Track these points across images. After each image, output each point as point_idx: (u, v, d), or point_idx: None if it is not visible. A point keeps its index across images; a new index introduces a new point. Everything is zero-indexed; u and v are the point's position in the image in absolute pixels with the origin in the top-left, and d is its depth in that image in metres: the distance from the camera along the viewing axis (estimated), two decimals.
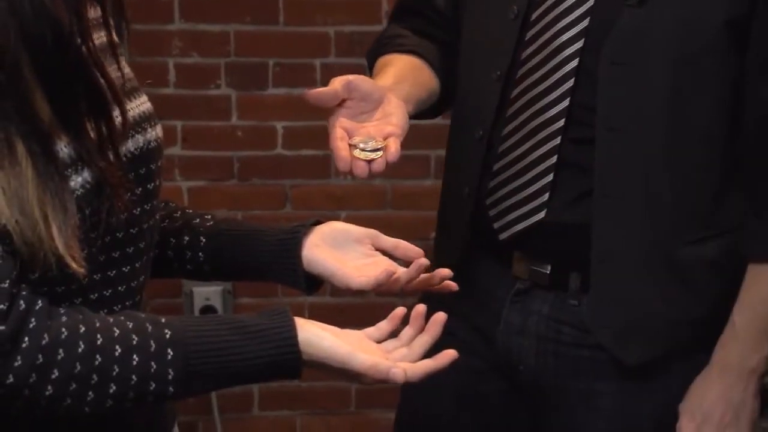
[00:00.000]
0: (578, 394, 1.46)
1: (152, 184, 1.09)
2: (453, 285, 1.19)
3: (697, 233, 1.40)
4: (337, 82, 1.30)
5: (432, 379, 1.48)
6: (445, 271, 1.18)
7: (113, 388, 0.97)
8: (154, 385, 0.98)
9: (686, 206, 1.39)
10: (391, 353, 1.09)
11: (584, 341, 1.44)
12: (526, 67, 1.41)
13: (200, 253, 1.22)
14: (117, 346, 0.97)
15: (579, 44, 1.37)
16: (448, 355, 1.08)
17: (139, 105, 1.10)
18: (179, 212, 1.24)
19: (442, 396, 1.53)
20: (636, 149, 1.37)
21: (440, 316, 1.12)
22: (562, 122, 1.38)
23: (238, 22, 2.70)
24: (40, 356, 0.94)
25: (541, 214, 1.41)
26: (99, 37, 1.05)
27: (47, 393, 0.95)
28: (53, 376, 0.94)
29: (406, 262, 1.20)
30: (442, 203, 1.61)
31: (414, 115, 1.42)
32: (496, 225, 1.45)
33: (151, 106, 1.13)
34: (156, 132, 1.11)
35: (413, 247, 1.20)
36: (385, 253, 1.21)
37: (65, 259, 0.94)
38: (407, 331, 1.12)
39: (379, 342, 1.11)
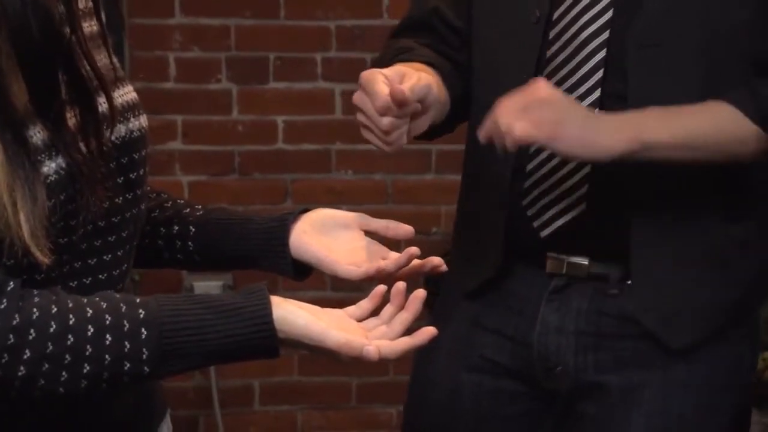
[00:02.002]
0: (619, 389, 1.43)
1: (135, 174, 1.08)
2: (444, 268, 1.17)
3: (732, 213, 1.41)
4: (410, 92, 1.25)
5: (452, 402, 1.51)
6: (437, 260, 1.16)
7: (87, 368, 0.96)
8: (128, 365, 0.97)
9: (718, 187, 1.39)
10: (371, 331, 1.07)
11: (625, 331, 1.42)
12: (552, 65, 1.40)
13: (190, 243, 1.21)
14: (90, 326, 0.96)
15: (605, 35, 1.36)
16: (427, 332, 1.06)
17: (124, 95, 1.09)
18: (170, 202, 1.24)
19: (460, 420, 1.52)
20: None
21: (420, 293, 1.09)
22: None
23: (239, 16, 2.69)
24: (11, 336, 0.93)
25: (582, 207, 1.39)
26: (89, 26, 1.04)
27: (20, 374, 0.94)
28: (25, 357, 0.93)
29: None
30: (464, 223, 1.57)
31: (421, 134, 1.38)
32: (536, 223, 1.43)
33: (136, 95, 1.12)
34: (140, 122, 1.10)
35: (403, 226, 1.18)
36: (376, 235, 1.20)
37: (30, 248, 0.93)
38: (387, 309, 1.10)
39: (360, 320, 1.10)
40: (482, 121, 1.33)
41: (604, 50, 1.36)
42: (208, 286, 2.73)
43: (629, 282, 1.41)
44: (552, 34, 1.40)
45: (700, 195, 1.39)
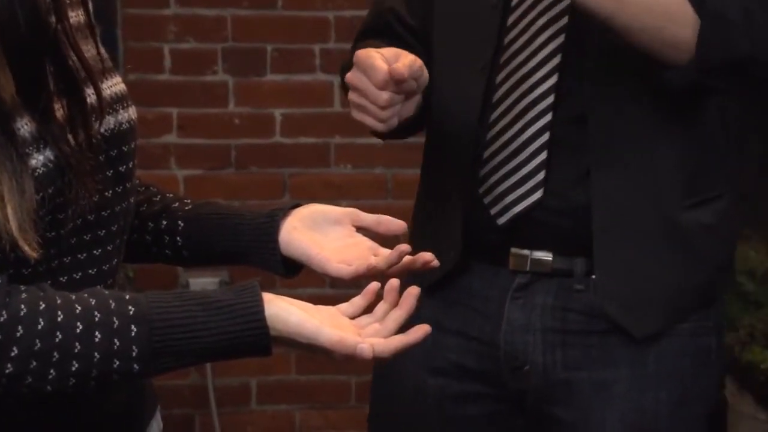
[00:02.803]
0: (590, 384, 1.43)
1: (124, 167, 1.08)
2: (435, 263, 1.16)
3: (694, 198, 1.41)
4: (407, 70, 1.27)
5: (416, 404, 1.50)
6: (428, 255, 1.15)
7: (75, 365, 0.95)
8: (117, 363, 0.96)
9: (682, 172, 1.39)
10: (364, 329, 1.06)
11: (592, 327, 1.42)
12: (510, 51, 1.41)
13: (178, 238, 1.20)
14: (78, 323, 0.95)
15: (564, 21, 1.37)
16: (421, 329, 1.04)
17: (112, 86, 1.08)
18: (159, 196, 1.23)
19: (425, 421, 1.51)
20: (629, 120, 1.36)
21: (414, 290, 1.08)
22: (551, 98, 1.37)
23: (235, 6, 2.67)
24: None
25: (539, 194, 1.39)
26: (76, 16, 1.03)
27: (7, 371, 0.92)
28: (12, 354, 0.92)
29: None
30: (422, 211, 1.56)
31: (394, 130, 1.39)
32: (493, 211, 1.42)
33: (125, 87, 1.11)
34: (129, 113, 1.09)
35: (395, 221, 1.18)
36: (367, 230, 1.19)
37: (18, 241, 0.92)
38: (381, 306, 1.09)
39: (353, 318, 1.09)
40: (438, 109, 1.36)
41: (563, 35, 1.36)
42: (204, 282, 2.72)
43: (594, 276, 1.41)
44: (511, 20, 1.41)
45: (661, 179, 1.38)
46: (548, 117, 1.38)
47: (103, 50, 1.07)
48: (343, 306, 1.09)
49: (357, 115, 1.33)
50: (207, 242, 1.20)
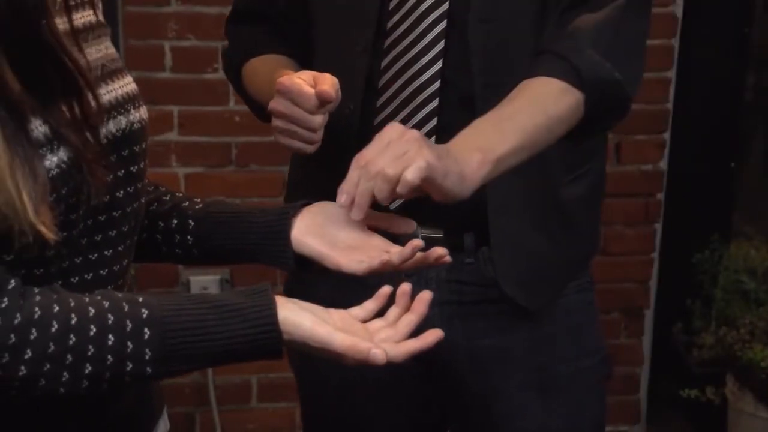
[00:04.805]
0: (491, 351, 1.50)
1: (136, 167, 1.07)
2: (448, 258, 1.16)
3: (571, 174, 1.48)
4: (333, 90, 1.29)
5: (325, 373, 1.53)
6: (441, 250, 1.15)
7: (89, 368, 0.95)
8: (130, 366, 0.96)
9: (563, 150, 1.42)
10: (375, 333, 1.07)
11: (487, 296, 1.47)
12: (393, 36, 1.41)
13: (189, 237, 1.20)
14: (92, 326, 0.95)
15: (445, 6, 1.38)
16: (433, 334, 1.05)
17: (123, 86, 1.08)
18: (168, 195, 1.23)
19: (345, 385, 1.55)
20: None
21: (426, 295, 1.10)
22: (437, 84, 1.39)
23: None
24: (12, 336, 0.92)
25: None
26: (86, 16, 1.03)
27: (20, 374, 0.92)
28: (26, 357, 0.92)
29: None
30: (305, 189, 1.53)
31: None
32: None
33: (136, 87, 1.10)
34: (140, 113, 1.09)
35: (406, 220, 1.19)
36: (378, 229, 1.19)
37: (36, 225, 0.91)
38: (393, 311, 1.10)
39: (364, 321, 1.09)
40: None
41: (445, 21, 1.38)
42: (205, 280, 2.71)
43: (485, 248, 1.45)
44: (392, 4, 1.42)
45: (548, 157, 1.39)
46: (435, 102, 1.39)
47: (111, 51, 1.07)
48: (355, 310, 1.09)
49: (283, 140, 1.33)
50: (217, 241, 1.20)
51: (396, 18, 1.41)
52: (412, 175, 1.11)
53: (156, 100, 2.62)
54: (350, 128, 1.44)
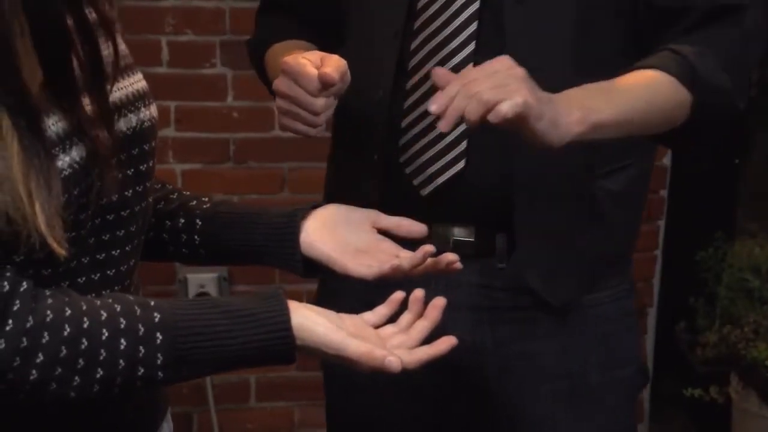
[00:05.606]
0: (521, 358, 1.46)
1: (145, 166, 1.07)
2: (458, 265, 1.16)
3: (606, 166, 1.42)
4: (336, 73, 1.26)
5: (350, 376, 1.49)
6: (452, 256, 1.15)
7: (100, 372, 0.95)
8: (142, 370, 0.96)
9: (586, 143, 1.40)
10: (388, 339, 1.07)
11: (518, 303, 1.44)
12: (423, 17, 1.39)
13: (196, 237, 1.20)
14: (104, 330, 0.95)
15: None
16: (447, 341, 1.05)
17: (134, 83, 1.08)
18: (176, 194, 1.23)
19: (371, 389, 1.52)
20: (546, 88, 1.33)
21: (440, 301, 1.10)
22: (470, 68, 1.35)
23: None
24: (24, 339, 0.91)
25: (461, 164, 1.38)
26: (102, 9, 1.03)
27: (31, 378, 0.92)
28: (38, 360, 0.92)
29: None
30: (338, 184, 1.56)
31: None
32: (416, 182, 1.41)
33: (146, 84, 1.11)
34: (150, 111, 1.09)
35: (416, 224, 1.19)
36: (387, 233, 1.19)
37: (47, 239, 0.91)
38: (405, 317, 1.10)
39: (377, 327, 1.09)
40: (355, 79, 1.33)
41: (478, 2, 1.36)
42: (202, 278, 2.71)
43: (515, 252, 1.42)
44: None
45: (571, 152, 1.36)
46: None
47: (122, 47, 1.06)
48: (367, 315, 1.10)
49: (286, 121, 1.30)
50: (225, 241, 1.19)
51: None
52: (507, 106, 1.12)
53: (153, 95, 2.60)
54: (380, 114, 1.41)
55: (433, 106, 1.15)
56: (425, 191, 1.40)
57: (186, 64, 2.64)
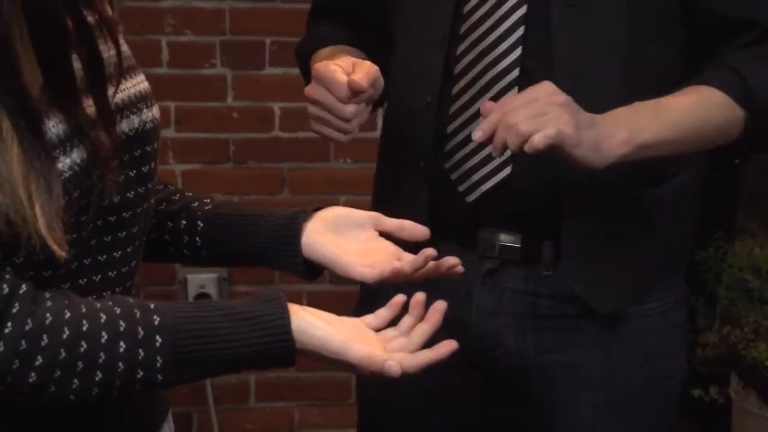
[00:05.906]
0: (562, 367, 1.44)
1: (147, 167, 1.07)
2: (460, 269, 1.16)
3: (655, 175, 1.41)
4: (365, 80, 1.27)
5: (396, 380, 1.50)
6: (453, 260, 1.15)
7: (99, 375, 0.95)
8: (141, 373, 0.96)
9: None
10: (389, 343, 1.07)
11: (563, 311, 1.43)
12: (469, 21, 1.39)
13: (197, 238, 1.20)
14: (104, 333, 0.95)
15: None
16: (448, 345, 1.05)
17: (136, 84, 1.08)
18: (177, 195, 1.22)
19: (406, 391, 1.49)
20: (594, 93, 1.34)
21: (440, 305, 1.10)
22: (516, 72, 1.36)
23: None
24: (23, 342, 0.91)
25: (507, 170, 1.37)
26: (104, 11, 1.03)
27: (30, 380, 0.92)
28: (37, 363, 0.92)
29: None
30: (385, 192, 1.56)
31: None
32: (461, 188, 1.41)
33: (148, 85, 1.10)
34: (152, 113, 1.08)
35: (418, 227, 1.18)
36: (389, 236, 1.19)
37: (47, 240, 0.91)
38: (406, 320, 1.10)
39: (377, 330, 1.09)
40: (397, 84, 1.34)
41: (526, 6, 1.35)
42: (202, 278, 2.71)
43: (561, 261, 1.41)
44: None
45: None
46: (514, 93, 1.35)
47: (125, 48, 1.06)
48: (368, 318, 1.09)
49: (317, 127, 1.31)
50: (226, 243, 1.19)
51: (473, 3, 1.38)
52: (539, 138, 1.17)
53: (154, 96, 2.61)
54: (427, 120, 1.41)
55: (477, 134, 1.21)
56: (471, 198, 1.40)
57: (186, 64, 2.64)
